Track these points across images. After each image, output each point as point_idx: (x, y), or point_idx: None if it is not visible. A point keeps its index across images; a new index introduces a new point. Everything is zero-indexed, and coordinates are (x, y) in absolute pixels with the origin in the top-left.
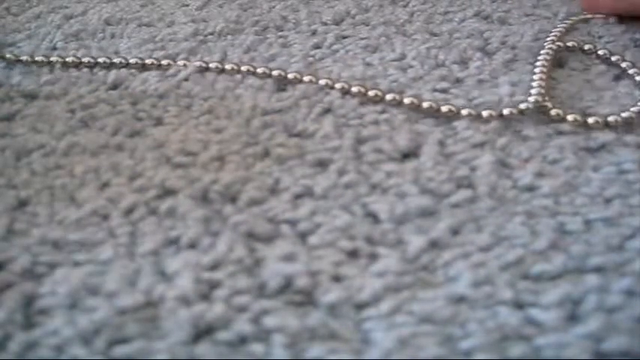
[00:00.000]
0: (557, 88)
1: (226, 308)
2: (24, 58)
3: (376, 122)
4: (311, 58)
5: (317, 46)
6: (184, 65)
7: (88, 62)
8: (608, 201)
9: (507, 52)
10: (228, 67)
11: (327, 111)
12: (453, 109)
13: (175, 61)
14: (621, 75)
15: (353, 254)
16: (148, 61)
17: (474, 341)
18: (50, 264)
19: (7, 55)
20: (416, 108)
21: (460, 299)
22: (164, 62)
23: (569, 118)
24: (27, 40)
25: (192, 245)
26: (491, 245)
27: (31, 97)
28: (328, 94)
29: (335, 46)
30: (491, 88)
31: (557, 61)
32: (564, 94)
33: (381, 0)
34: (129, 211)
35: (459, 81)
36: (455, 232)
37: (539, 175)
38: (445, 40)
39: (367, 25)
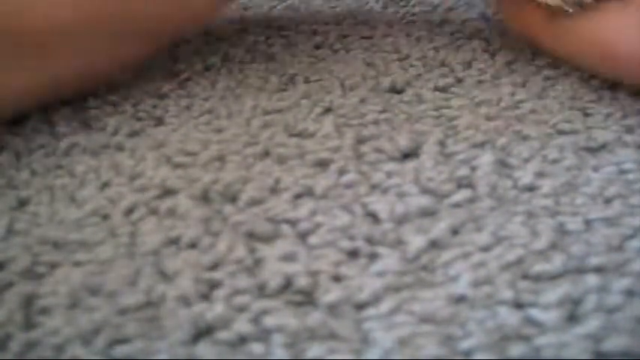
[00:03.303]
0: None
1: (226, 308)
2: None
3: (376, 122)
4: None
5: (318, 46)
6: None
7: None
8: (608, 201)
9: (507, 53)
10: None
11: (328, 110)
12: None
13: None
14: None
15: (353, 254)
16: None
17: (473, 341)
18: (50, 264)
19: None
20: None
21: (460, 299)
22: None
23: None
24: None
25: (193, 245)
26: (491, 245)
27: None
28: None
29: (335, 46)
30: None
31: None
32: None
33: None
34: (129, 210)
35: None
36: (455, 232)
37: (539, 174)
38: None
39: (367, 25)
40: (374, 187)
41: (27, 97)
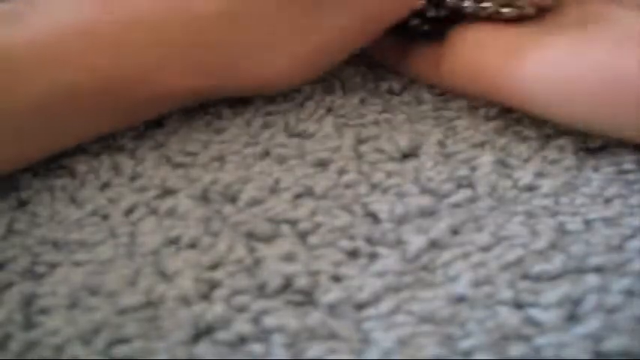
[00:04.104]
0: None
1: (226, 308)
2: None
3: (376, 122)
4: None
5: None
6: None
7: None
8: (608, 201)
9: None
10: None
11: (328, 111)
12: None
13: None
14: None
15: (353, 254)
16: None
17: (473, 341)
18: (50, 264)
19: None
20: None
21: (460, 299)
22: None
23: None
24: None
25: (193, 245)
26: (491, 245)
27: None
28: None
29: None
30: None
31: None
32: None
33: None
34: (129, 210)
35: None
36: (455, 232)
37: (539, 174)
38: None
39: None
40: (374, 187)
41: None
